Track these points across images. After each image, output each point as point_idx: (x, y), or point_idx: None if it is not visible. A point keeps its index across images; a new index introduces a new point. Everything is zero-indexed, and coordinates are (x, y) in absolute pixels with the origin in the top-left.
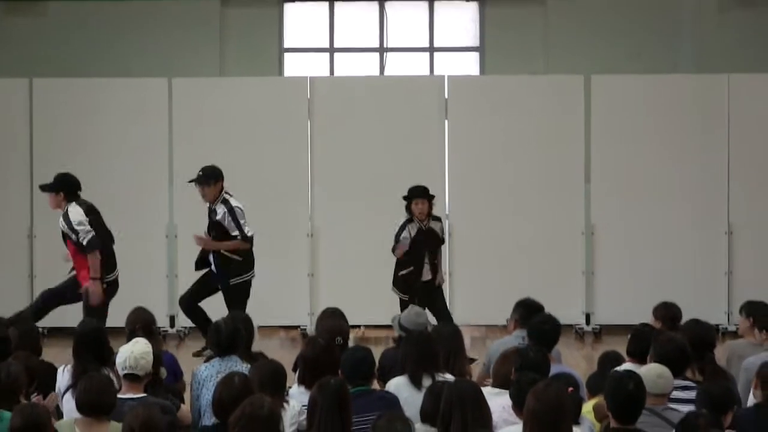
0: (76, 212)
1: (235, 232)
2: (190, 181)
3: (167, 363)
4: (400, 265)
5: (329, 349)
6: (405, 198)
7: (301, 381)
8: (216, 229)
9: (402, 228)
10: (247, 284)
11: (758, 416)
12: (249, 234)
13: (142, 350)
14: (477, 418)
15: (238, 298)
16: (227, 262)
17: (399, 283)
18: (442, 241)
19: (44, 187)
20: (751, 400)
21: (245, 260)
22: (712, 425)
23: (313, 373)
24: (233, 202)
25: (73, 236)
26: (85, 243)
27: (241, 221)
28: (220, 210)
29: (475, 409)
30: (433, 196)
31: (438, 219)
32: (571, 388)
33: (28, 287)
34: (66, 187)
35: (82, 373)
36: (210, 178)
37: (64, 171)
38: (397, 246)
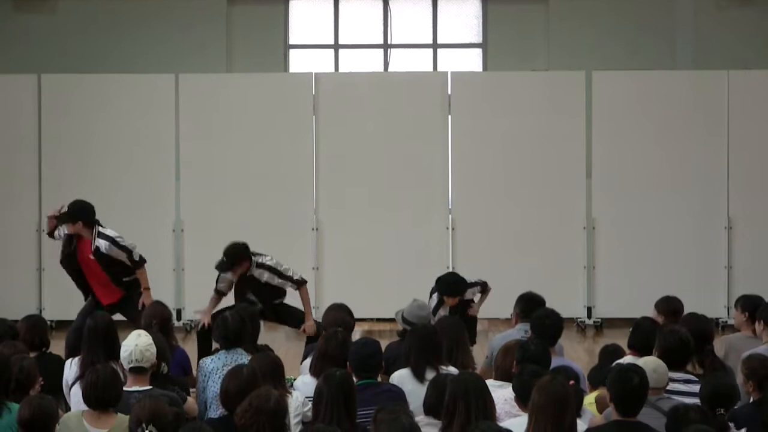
0: (111, 232)
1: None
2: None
3: (178, 358)
4: None
5: (346, 344)
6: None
7: (314, 372)
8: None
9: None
10: None
11: (757, 412)
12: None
13: (146, 343)
14: (481, 410)
15: None
16: None
17: None
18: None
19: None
20: None
21: None
22: (703, 419)
23: (327, 366)
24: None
25: (125, 255)
26: (138, 258)
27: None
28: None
29: (480, 401)
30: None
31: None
32: (572, 381)
33: (37, 280)
34: (84, 215)
35: (89, 366)
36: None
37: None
38: None
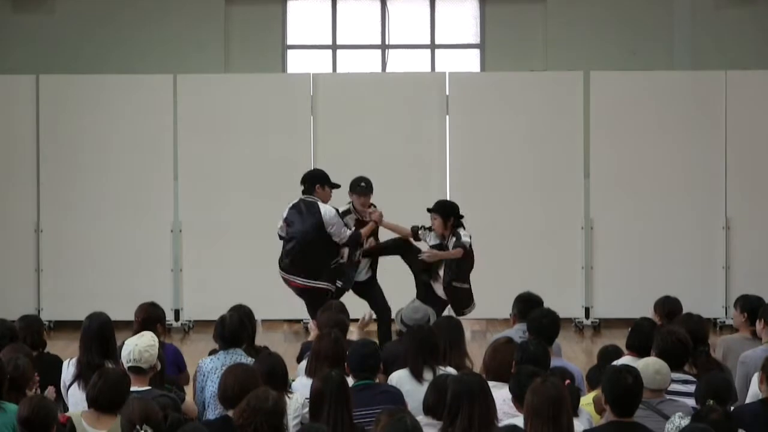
0: None
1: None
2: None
3: (170, 355)
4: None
5: (340, 342)
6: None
7: (309, 373)
8: None
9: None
10: None
11: (765, 411)
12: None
13: (147, 343)
14: (484, 412)
15: None
16: None
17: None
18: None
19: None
20: (753, 395)
21: None
22: (725, 418)
23: (323, 366)
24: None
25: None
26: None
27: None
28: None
29: (483, 403)
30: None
31: None
32: (567, 381)
33: (35, 281)
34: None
35: (86, 366)
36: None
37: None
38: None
